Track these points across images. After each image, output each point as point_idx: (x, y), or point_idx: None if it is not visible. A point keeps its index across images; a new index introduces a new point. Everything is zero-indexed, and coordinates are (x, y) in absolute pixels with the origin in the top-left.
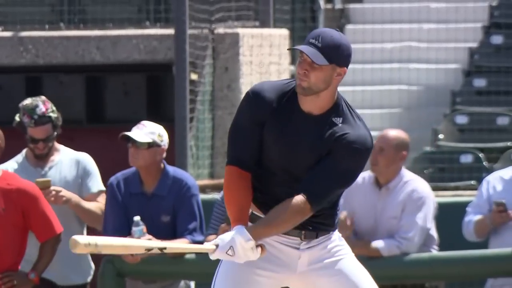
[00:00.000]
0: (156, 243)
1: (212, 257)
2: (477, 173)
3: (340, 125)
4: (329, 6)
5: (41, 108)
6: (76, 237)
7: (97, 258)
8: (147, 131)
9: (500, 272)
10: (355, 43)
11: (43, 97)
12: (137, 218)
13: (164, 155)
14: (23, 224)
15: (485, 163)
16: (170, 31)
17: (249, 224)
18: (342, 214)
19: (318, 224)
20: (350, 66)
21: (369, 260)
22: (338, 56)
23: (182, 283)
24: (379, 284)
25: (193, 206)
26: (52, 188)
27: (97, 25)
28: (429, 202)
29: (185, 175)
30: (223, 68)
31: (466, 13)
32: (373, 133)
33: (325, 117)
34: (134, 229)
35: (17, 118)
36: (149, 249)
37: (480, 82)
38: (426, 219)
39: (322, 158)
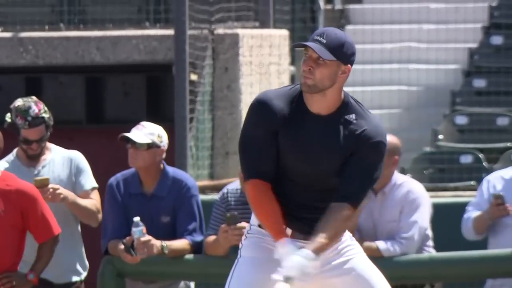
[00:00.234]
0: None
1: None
2: (477, 174)
3: (355, 121)
4: (329, 6)
5: (34, 110)
6: None
7: (94, 257)
8: (146, 132)
9: (500, 273)
10: (355, 43)
11: (34, 98)
12: (136, 218)
13: (164, 155)
14: (22, 225)
15: (485, 164)
16: (170, 31)
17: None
18: None
19: None
20: None
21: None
22: (342, 53)
23: (182, 283)
24: None
25: (193, 206)
26: (50, 186)
27: (97, 26)
28: (425, 202)
29: (185, 176)
30: (223, 68)
31: (466, 14)
32: None
33: (337, 117)
34: (134, 229)
35: (8, 119)
36: None
37: (480, 83)
38: (424, 218)
39: (348, 159)
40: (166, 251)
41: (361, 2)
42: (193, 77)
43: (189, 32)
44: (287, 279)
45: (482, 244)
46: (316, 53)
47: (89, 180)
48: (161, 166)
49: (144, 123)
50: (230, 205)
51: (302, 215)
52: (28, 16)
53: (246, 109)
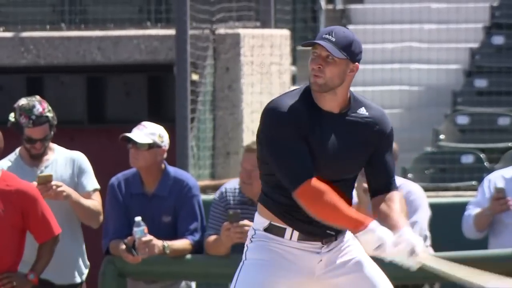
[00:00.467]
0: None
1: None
2: (478, 174)
3: (367, 114)
4: (330, 6)
5: (38, 108)
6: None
7: (95, 257)
8: (147, 132)
9: (500, 273)
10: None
11: (38, 97)
12: (138, 218)
13: (165, 155)
14: (22, 225)
15: (486, 164)
16: (171, 31)
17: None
18: None
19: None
20: None
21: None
22: (351, 51)
23: (183, 283)
24: None
25: (194, 206)
26: (53, 183)
27: (98, 26)
28: (424, 203)
29: (186, 176)
30: (224, 68)
31: (467, 14)
32: None
33: (350, 113)
34: (135, 229)
35: (11, 118)
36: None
37: (481, 83)
38: (424, 218)
39: (376, 152)
40: (168, 251)
41: (362, 2)
42: (194, 77)
43: (190, 32)
44: (412, 253)
45: (484, 244)
46: (325, 51)
47: (91, 181)
48: (162, 166)
49: (145, 123)
50: (229, 204)
51: (312, 218)
52: (29, 16)
53: (247, 109)
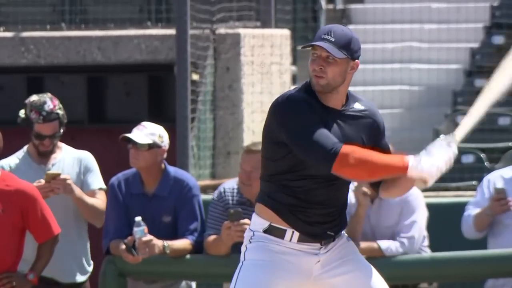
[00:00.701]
0: None
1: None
2: (478, 174)
3: (363, 107)
4: (330, 6)
5: (49, 105)
6: None
7: (96, 257)
8: (147, 132)
9: (501, 273)
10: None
11: (49, 94)
12: (138, 218)
13: (165, 155)
14: (22, 225)
15: (486, 164)
16: (172, 31)
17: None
18: None
19: (337, 227)
20: None
21: (370, 260)
22: (351, 49)
23: (184, 283)
24: None
25: (194, 206)
26: (62, 176)
27: (98, 25)
28: (422, 203)
29: (186, 176)
30: (224, 68)
31: (467, 13)
32: None
33: (350, 108)
34: (135, 229)
35: (21, 114)
36: None
37: (481, 82)
38: (422, 218)
39: (374, 143)
40: (168, 251)
41: (362, 1)
42: (195, 76)
43: (191, 31)
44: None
45: (484, 244)
46: (326, 52)
47: (96, 180)
48: (163, 166)
49: (144, 123)
50: (228, 204)
51: (315, 219)
52: (29, 15)
53: (247, 108)
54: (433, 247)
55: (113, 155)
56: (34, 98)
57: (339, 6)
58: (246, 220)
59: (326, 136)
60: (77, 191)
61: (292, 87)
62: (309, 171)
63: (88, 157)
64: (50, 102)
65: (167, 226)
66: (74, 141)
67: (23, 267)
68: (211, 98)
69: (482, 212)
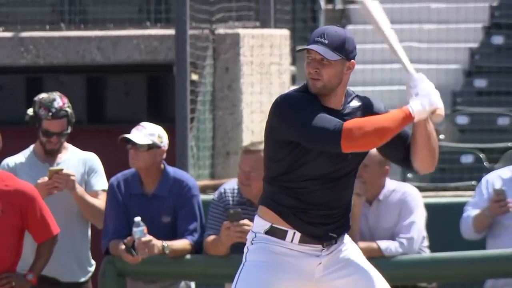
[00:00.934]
0: None
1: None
2: (477, 174)
3: (359, 103)
4: (329, 6)
5: (59, 102)
6: None
7: (96, 257)
8: (146, 133)
9: (500, 273)
10: (356, 43)
11: (58, 92)
12: (137, 218)
13: (164, 156)
14: (21, 225)
15: (485, 164)
16: (171, 31)
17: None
18: None
19: (340, 229)
20: None
21: (369, 260)
22: (345, 49)
23: (183, 283)
24: None
25: (194, 206)
26: (64, 171)
27: (97, 26)
28: (420, 203)
29: (186, 176)
30: (223, 68)
31: (467, 14)
32: None
33: (348, 107)
34: (134, 229)
35: (30, 112)
36: None
37: (480, 83)
38: (421, 218)
39: None
40: (167, 251)
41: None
42: (194, 77)
43: (190, 32)
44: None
45: (483, 244)
46: (319, 55)
47: (100, 182)
48: (162, 166)
49: (144, 123)
50: (229, 204)
51: (317, 220)
52: (28, 16)
53: (247, 109)
54: (432, 247)
55: (112, 155)
56: (43, 95)
57: (339, 6)
58: (245, 221)
59: (325, 119)
60: (79, 189)
61: (292, 87)
62: (311, 172)
63: (93, 159)
64: (60, 100)
65: (166, 226)
66: (73, 141)
67: (22, 267)
68: (210, 98)
69: (481, 213)
